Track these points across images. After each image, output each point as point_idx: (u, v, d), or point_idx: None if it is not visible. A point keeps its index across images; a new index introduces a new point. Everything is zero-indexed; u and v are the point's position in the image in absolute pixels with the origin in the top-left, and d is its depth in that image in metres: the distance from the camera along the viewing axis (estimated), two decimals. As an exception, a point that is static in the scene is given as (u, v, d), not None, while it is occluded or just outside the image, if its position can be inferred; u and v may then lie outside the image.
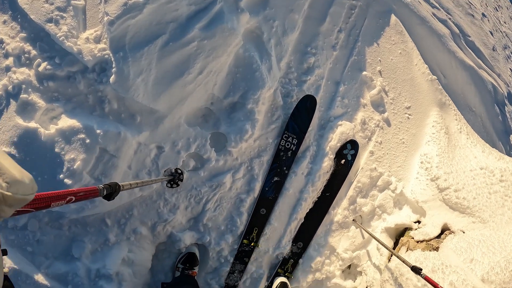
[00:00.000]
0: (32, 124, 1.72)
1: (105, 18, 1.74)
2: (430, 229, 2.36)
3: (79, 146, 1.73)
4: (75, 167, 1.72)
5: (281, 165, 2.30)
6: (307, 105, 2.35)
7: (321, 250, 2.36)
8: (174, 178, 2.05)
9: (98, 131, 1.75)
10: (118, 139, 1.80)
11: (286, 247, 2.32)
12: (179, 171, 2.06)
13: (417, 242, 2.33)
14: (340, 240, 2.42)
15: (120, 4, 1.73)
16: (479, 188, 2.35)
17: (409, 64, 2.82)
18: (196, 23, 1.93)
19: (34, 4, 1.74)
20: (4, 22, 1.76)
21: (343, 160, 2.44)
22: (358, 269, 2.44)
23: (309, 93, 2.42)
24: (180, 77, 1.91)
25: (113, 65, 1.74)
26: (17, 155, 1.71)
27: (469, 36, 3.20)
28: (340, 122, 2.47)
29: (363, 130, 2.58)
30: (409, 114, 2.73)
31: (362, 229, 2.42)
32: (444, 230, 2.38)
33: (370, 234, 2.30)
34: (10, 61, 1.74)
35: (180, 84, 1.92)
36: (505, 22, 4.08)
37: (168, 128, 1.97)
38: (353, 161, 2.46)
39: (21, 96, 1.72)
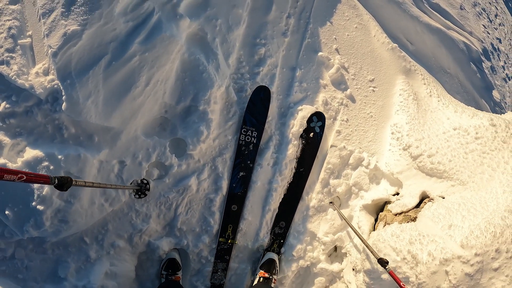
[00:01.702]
0: (1, 161, 1.95)
1: (49, 51, 2.00)
2: (407, 199, 2.48)
3: (44, 173, 2.02)
4: (44, 193, 1.91)
5: (244, 159, 2.43)
6: (261, 96, 2.47)
7: (301, 237, 2.47)
8: (141, 189, 2.33)
9: (59, 156, 1.93)
10: (79, 161, 1.98)
11: (265, 239, 2.44)
12: (145, 181, 2.28)
13: (395, 215, 2.48)
14: (319, 225, 2.57)
15: (60, 35, 1.99)
16: (454, 149, 2.39)
17: (367, 37, 2.99)
18: (136, 38, 2.16)
19: None
20: None
21: (312, 133, 2.56)
22: (343, 250, 2.61)
23: (263, 84, 2.55)
24: (128, 92, 2.12)
25: (63, 93, 2.02)
26: None
27: None
28: (300, 107, 2.60)
29: (326, 110, 2.72)
30: (374, 87, 2.91)
31: (339, 213, 2.63)
32: (424, 198, 2.53)
33: (345, 219, 2.46)
34: None
35: (129, 98, 2.14)
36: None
37: (126, 142, 2.16)
38: (322, 133, 2.58)
39: None
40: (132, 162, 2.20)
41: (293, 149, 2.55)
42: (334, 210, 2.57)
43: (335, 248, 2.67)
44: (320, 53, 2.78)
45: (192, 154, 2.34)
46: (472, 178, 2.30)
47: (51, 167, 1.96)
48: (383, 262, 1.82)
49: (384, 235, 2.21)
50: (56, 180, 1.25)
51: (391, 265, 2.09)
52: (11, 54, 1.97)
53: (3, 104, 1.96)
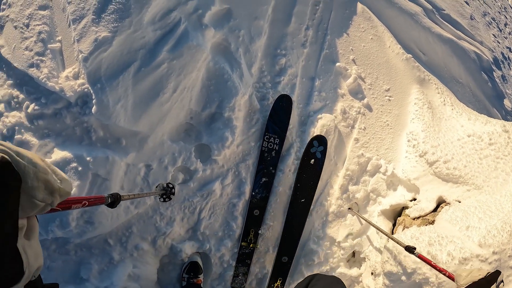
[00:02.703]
0: None
1: (80, 56, 2.08)
2: (425, 204, 2.56)
3: (72, 174, 2.03)
4: (71, 193, 2.02)
5: (267, 165, 2.55)
6: (283, 104, 2.60)
7: (321, 242, 2.57)
8: (166, 192, 2.35)
9: (88, 158, 2.05)
10: (107, 163, 2.09)
11: (285, 244, 2.58)
12: (170, 185, 2.35)
13: (413, 219, 2.53)
14: (338, 230, 2.64)
15: (91, 41, 2.07)
16: (468, 155, 2.52)
17: (382, 48, 3.08)
18: (164, 46, 2.25)
19: (16, 53, 2.09)
20: None
21: (313, 160, 2.57)
22: (362, 255, 2.65)
23: (284, 93, 2.70)
24: (156, 98, 2.22)
25: (93, 97, 2.06)
26: None
27: (443, 10, 3.43)
28: (320, 116, 2.72)
29: (345, 119, 2.83)
30: (390, 96, 2.98)
31: (358, 216, 2.65)
32: (441, 203, 2.59)
33: (366, 220, 2.52)
34: (1, 107, 2.07)
35: (157, 104, 2.23)
36: (481, -11, 4.32)
37: (153, 146, 2.26)
38: (324, 158, 2.59)
39: (15, 137, 2.05)
40: (158, 166, 2.25)
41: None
42: (354, 216, 2.57)
43: (353, 254, 2.67)
44: (338, 64, 2.87)
45: (217, 159, 2.39)
46: (487, 183, 2.42)
47: (80, 168, 2.02)
48: (410, 249, 1.90)
49: (403, 238, 2.28)
50: (109, 199, 1.39)
51: (411, 266, 2.09)
52: (41, 57, 2.05)
53: (32, 105, 2.03)
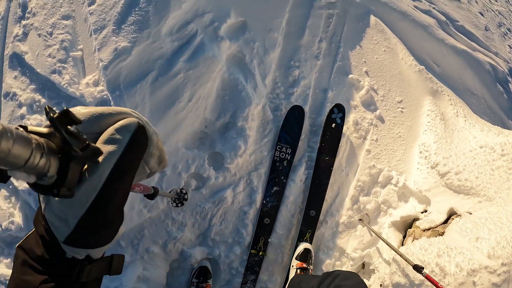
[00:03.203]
0: None
1: (100, 64, 2.19)
2: (435, 216, 2.56)
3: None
4: None
5: (278, 175, 2.62)
6: (296, 114, 2.69)
7: (330, 252, 2.61)
8: (180, 198, 2.41)
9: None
10: None
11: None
12: (184, 191, 2.42)
13: (423, 230, 2.52)
14: (348, 241, 2.66)
15: (111, 50, 2.18)
16: (480, 166, 2.55)
17: (395, 59, 3.11)
18: (181, 57, 2.35)
19: (39, 59, 2.25)
20: (15, 77, 2.28)
21: (334, 124, 2.73)
22: (371, 267, 2.65)
23: (297, 104, 2.77)
24: (172, 106, 2.32)
25: (112, 103, 2.16)
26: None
27: (458, 21, 3.44)
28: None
29: (357, 130, 2.86)
30: (402, 108, 2.99)
31: (368, 228, 2.64)
32: (452, 215, 2.57)
33: (375, 233, 2.52)
34: (23, 110, 2.22)
35: (173, 112, 2.32)
36: (496, 0, 4.27)
37: (168, 153, 2.33)
38: (343, 124, 2.74)
39: None
40: (172, 172, 2.33)
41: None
42: (364, 227, 2.56)
43: (363, 265, 2.65)
44: (350, 76, 2.92)
45: (229, 167, 2.45)
46: (498, 194, 2.44)
47: None
48: (418, 268, 1.93)
49: (413, 249, 2.29)
50: (152, 190, 1.61)
51: (419, 277, 2.09)
52: (63, 64, 2.18)
53: None
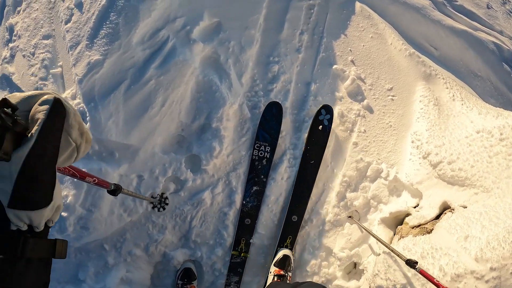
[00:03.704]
0: None
1: (76, 78, 2.30)
2: (426, 211, 2.32)
3: (70, 184, 2.19)
4: (68, 201, 2.17)
5: (258, 174, 2.49)
6: (273, 111, 2.54)
7: (316, 252, 2.43)
8: (160, 202, 2.46)
9: (83, 169, 2.24)
10: (100, 174, 2.22)
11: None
12: (165, 196, 2.46)
13: (412, 227, 2.32)
14: (335, 240, 2.46)
15: (85, 64, 2.26)
16: (476, 154, 2.21)
17: (384, 45, 2.90)
18: (152, 64, 2.36)
19: (24, 79, 2.35)
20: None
21: (321, 126, 2.55)
22: (361, 267, 2.48)
23: (277, 100, 2.63)
24: (145, 112, 2.32)
25: (87, 115, 2.27)
26: None
27: (456, 1, 3.11)
28: None
29: (343, 123, 2.69)
30: (393, 96, 2.79)
31: (359, 225, 2.50)
32: (446, 209, 2.34)
33: (366, 230, 2.36)
34: None
35: (146, 118, 2.33)
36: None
37: (144, 158, 2.35)
38: (330, 126, 2.57)
39: None
40: (149, 176, 2.35)
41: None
42: (352, 225, 2.45)
43: (355, 265, 2.52)
44: (335, 66, 2.78)
45: (206, 169, 2.43)
46: (497, 184, 2.09)
47: (75, 179, 2.14)
48: (412, 263, 1.73)
49: (396, 249, 2.06)
50: (113, 186, 1.60)
51: (401, 281, 1.94)
52: (44, 82, 2.28)
53: None
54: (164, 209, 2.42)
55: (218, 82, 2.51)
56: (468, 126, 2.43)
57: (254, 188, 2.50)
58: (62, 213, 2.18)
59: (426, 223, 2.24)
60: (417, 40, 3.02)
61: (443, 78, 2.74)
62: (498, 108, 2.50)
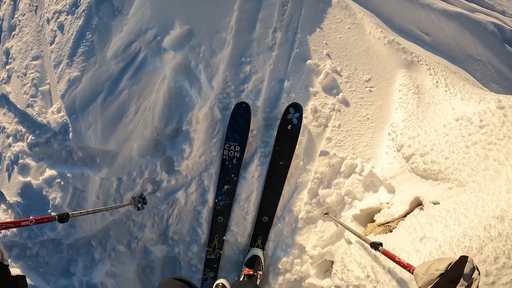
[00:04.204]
0: (28, 179, 2.48)
1: (59, 94, 2.59)
2: (396, 208, 2.09)
3: (57, 188, 2.37)
4: (56, 203, 2.35)
5: (228, 173, 2.45)
6: (241, 111, 2.46)
7: (289, 250, 2.34)
8: (139, 203, 2.63)
9: (68, 175, 2.36)
10: (83, 178, 2.35)
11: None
12: (143, 196, 2.64)
13: (379, 225, 2.18)
14: (308, 237, 2.36)
15: (65, 81, 2.48)
16: (453, 144, 1.96)
17: (361, 36, 2.70)
18: (125, 75, 2.55)
19: (18, 97, 2.58)
20: (4, 114, 2.67)
21: (290, 126, 2.44)
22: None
23: (249, 100, 2.58)
24: (120, 120, 2.42)
25: (70, 126, 2.53)
26: (22, 201, 2.49)
27: None
28: None
29: (316, 118, 2.54)
30: (371, 87, 2.59)
31: (335, 221, 2.40)
32: (419, 205, 2.15)
33: (340, 223, 2.26)
34: (10, 140, 2.57)
35: (122, 126, 2.43)
36: None
37: (122, 162, 2.45)
38: (300, 124, 2.44)
39: (19, 161, 2.52)
40: (128, 178, 2.50)
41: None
42: (325, 222, 2.39)
43: (332, 263, 2.45)
44: (308, 61, 2.67)
45: (180, 170, 2.51)
46: (472, 177, 1.84)
47: (62, 183, 2.41)
48: (376, 245, 1.64)
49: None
50: (56, 217, 1.61)
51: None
52: (34, 99, 2.55)
53: (30, 136, 2.52)
54: (143, 208, 2.60)
55: (188, 87, 2.57)
56: (449, 114, 2.16)
57: (226, 187, 2.53)
58: (52, 214, 2.46)
59: (394, 221, 2.09)
60: (405, 26, 2.76)
61: (427, 64, 2.47)
62: (483, 91, 2.23)
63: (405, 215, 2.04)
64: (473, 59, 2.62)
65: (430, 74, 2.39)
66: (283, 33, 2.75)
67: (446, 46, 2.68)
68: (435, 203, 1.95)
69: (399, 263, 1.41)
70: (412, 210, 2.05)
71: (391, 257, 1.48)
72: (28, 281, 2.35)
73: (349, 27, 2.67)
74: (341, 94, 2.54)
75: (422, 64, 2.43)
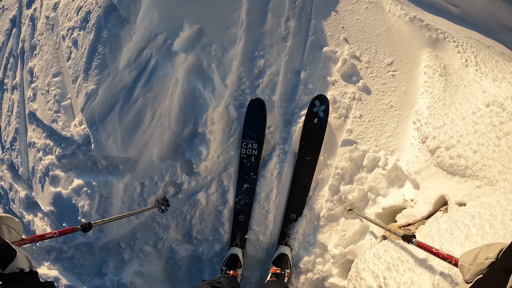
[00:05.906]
0: (58, 189, 2.69)
1: (79, 107, 2.71)
2: (418, 208, 1.95)
3: (85, 196, 2.56)
4: (84, 210, 2.55)
5: (247, 172, 2.48)
6: (256, 108, 2.47)
7: (311, 248, 2.34)
8: (163, 205, 2.71)
9: (93, 183, 2.53)
10: (107, 185, 2.52)
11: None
12: (166, 198, 2.73)
13: (400, 227, 2.04)
14: (331, 236, 2.33)
15: (83, 95, 2.60)
16: (482, 135, 1.77)
17: (380, 15, 2.48)
18: (138, 83, 2.60)
19: (44, 113, 2.77)
20: (33, 130, 2.88)
21: (316, 119, 2.39)
22: (358, 264, 2.30)
23: (264, 95, 2.56)
24: (138, 127, 2.50)
25: (91, 137, 2.66)
26: (54, 209, 2.71)
27: None
28: (304, 112, 2.46)
29: (336, 109, 2.43)
30: (394, 71, 2.39)
31: (361, 217, 2.30)
32: (445, 205, 1.97)
33: (366, 218, 2.15)
34: (41, 154, 2.78)
35: (140, 132, 2.53)
36: None
37: (143, 167, 2.57)
38: (327, 117, 2.39)
39: (49, 173, 2.73)
40: (150, 182, 2.61)
41: (290, 157, 2.43)
42: (347, 219, 2.32)
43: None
44: (325, 48, 2.55)
45: (199, 171, 2.57)
46: (503, 175, 1.64)
47: (89, 191, 2.58)
48: (408, 238, 1.55)
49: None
50: (80, 228, 1.70)
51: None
52: (57, 114, 2.71)
53: (58, 149, 2.70)
54: (167, 210, 2.69)
55: (201, 88, 2.59)
56: (479, 98, 1.95)
57: (245, 185, 2.53)
58: (82, 220, 2.63)
59: (415, 223, 1.96)
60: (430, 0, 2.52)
61: (454, 41, 2.23)
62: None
63: (428, 217, 1.90)
64: (509, 29, 2.33)
65: (459, 52, 2.17)
66: (296, 21, 2.64)
67: (477, 17, 2.41)
68: (462, 204, 1.78)
69: (437, 254, 1.32)
70: (436, 212, 1.88)
71: (428, 249, 1.39)
72: (65, 281, 2.61)
73: (366, 7, 2.49)
74: (361, 81, 2.40)
75: (449, 41, 2.20)
